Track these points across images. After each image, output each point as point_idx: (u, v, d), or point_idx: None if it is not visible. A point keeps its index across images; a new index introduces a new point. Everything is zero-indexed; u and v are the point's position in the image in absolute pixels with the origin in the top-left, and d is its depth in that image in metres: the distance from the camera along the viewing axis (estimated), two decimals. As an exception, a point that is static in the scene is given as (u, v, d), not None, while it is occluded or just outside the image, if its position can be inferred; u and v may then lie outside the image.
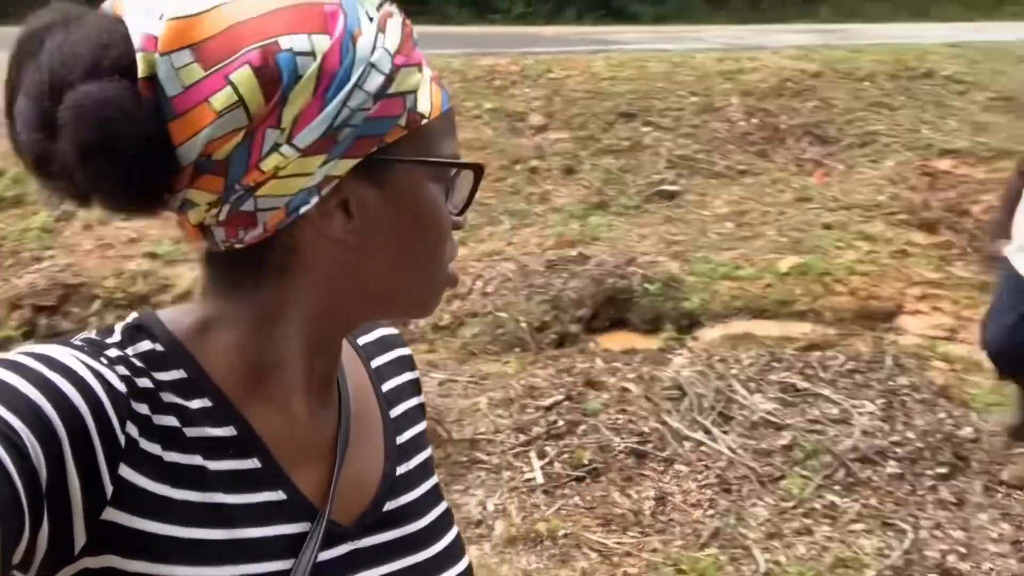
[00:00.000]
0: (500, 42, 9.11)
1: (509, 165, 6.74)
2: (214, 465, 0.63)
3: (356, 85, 0.60)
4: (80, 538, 0.56)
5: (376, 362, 0.81)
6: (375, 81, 0.61)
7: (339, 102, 0.60)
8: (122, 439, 0.58)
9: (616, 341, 5.03)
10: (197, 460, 0.62)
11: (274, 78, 0.58)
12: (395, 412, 0.79)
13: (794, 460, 3.39)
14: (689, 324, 5.52)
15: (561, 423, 3.61)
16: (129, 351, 0.64)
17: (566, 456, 3.41)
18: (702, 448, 3.49)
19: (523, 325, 5.14)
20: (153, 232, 5.59)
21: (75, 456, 0.55)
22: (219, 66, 0.58)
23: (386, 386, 0.80)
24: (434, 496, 0.79)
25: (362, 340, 0.82)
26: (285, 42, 0.58)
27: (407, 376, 0.84)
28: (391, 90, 0.62)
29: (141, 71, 0.57)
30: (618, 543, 3.01)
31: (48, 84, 0.57)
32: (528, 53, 7.95)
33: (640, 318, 5.53)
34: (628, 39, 9.76)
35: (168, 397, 0.63)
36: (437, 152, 0.67)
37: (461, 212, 0.70)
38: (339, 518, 0.69)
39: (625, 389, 3.87)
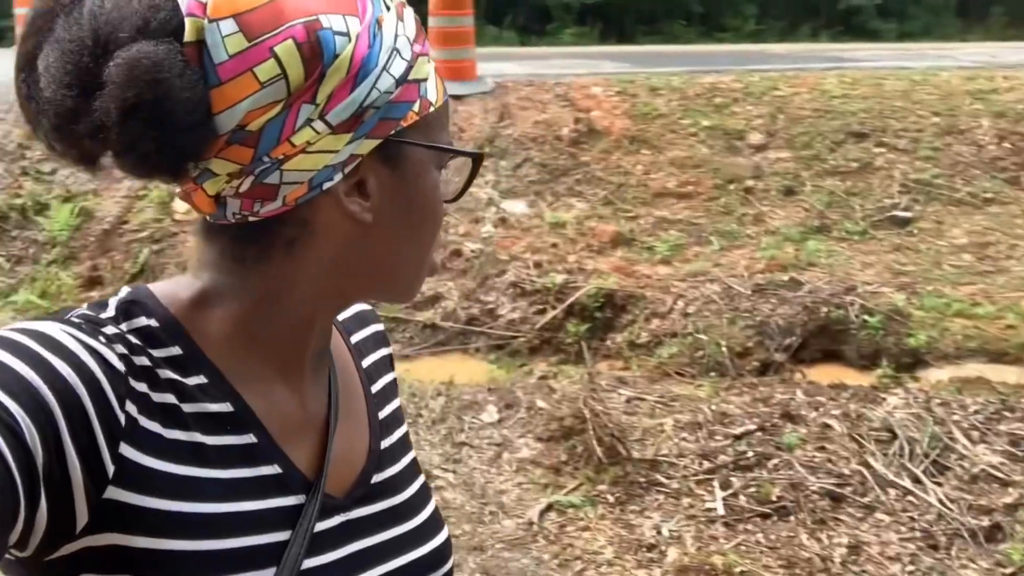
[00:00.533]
0: (726, 60, 8.86)
1: (723, 184, 6.53)
2: (212, 440, 0.64)
3: (384, 68, 0.63)
4: (82, 517, 0.56)
5: (355, 338, 0.82)
6: (399, 67, 0.64)
7: (369, 83, 0.62)
8: (122, 418, 0.58)
9: (824, 374, 4.70)
10: (197, 436, 0.63)
11: (316, 54, 0.60)
12: (375, 387, 0.81)
13: (1019, 521, 2.99)
14: (912, 363, 5.06)
15: (751, 454, 3.41)
16: (124, 327, 0.63)
17: (752, 489, 3.21)
18: (908, 498, 3.16)
19: (724, 349, 4.94)
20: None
21: (73, 436, 0.55)
22: (263, 37, 0.58)
23: (366, 362, 0.82)
24: (413, 470, 0.80)
25: (341, 316, 0.82)
26: (325, 20, 0.60)
27: (383, 352, 0.85)
28: (411, 76, 0.65)
29: (188, 35, 0.58)
30: (802, 589, 2.79)
31: (92, 40, 0.56)
32: (754, 70, 7.66)
33: (855, 352, 5.13)
34: (865, 56, 9.16)
35: (165, 374, 0.63)
36: (439, 139, 0.69)
37: (455, 200, 0.74)
38: (331, 490, 0.70)
39: (827, 425, 3.60)
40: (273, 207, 0.63)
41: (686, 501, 3.19)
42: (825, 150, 6.76)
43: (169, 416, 0.62)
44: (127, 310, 0.65)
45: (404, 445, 0.81)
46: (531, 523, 3.08)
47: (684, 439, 3.56)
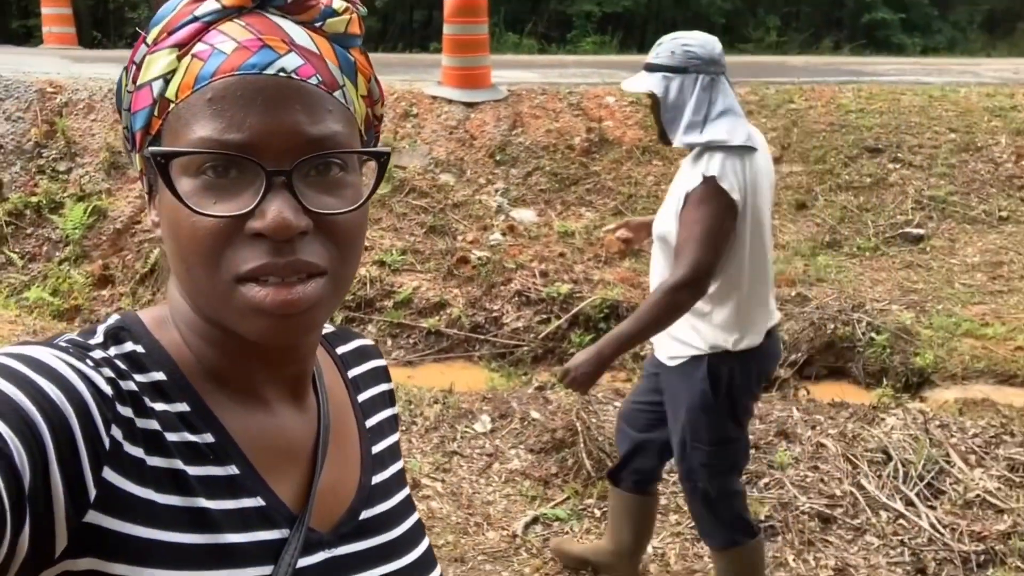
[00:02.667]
0: (744, 71, 8.80)
1: (734, 197, 6.48)
2: (194, 471, 0.62)
3: (121, 84, 0.66)
4: (61, 541, 0.55)
5: (353, 372, 0.81)
6: (130, 75, 0.65)
7: (124, 104, 0.66)
8: (107, 442, 0.57)
9: (828, 392, 4.65)
10: (178, 465, 0.62)
11: (118, 96, 0.69)
12: (370, 422, 0.79)
13: (1012, 550, 2.93)
14: (919, 382, 5.00)
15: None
16: (113, 351, 0.64)
17: (742, 507, 3.18)
18: (900, 521, 3.12)
19: (728, 364, 4.91)
20: (385, 241, 5.97)
21: (59, 459, 0.54)
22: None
23: (362, 396, 0.80)
24: (407, 506, 0.78)
25: (340, 349, 0.81)
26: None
27: (382, 387, 0.83)
28: (140, 80, 0.63)
29: None
30: (786, 610, 2.76)
31: None
32: (770, 83, 7.61)
33: (861, 370, 5.08)
34: (884, 71, 9.07)
35: (149, 400, 0.62)
36: (183, 138, 0.60)
37: (252, 213, 0.59)
38: (316, 525, 0.68)
39: (821, 445, 3.56)
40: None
41: (673, 518, 3.17)
42: (839, 164, 6.70)
43: (152, 443, 0.61)
44: (115, 335, 0.65)
45: (399, 481, 0.79)
46: (515, 536, 3.06)
47: (676, 454, 3.53)
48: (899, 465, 3.35)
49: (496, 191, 6.49)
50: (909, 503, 3.18)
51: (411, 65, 8.63)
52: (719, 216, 2.17)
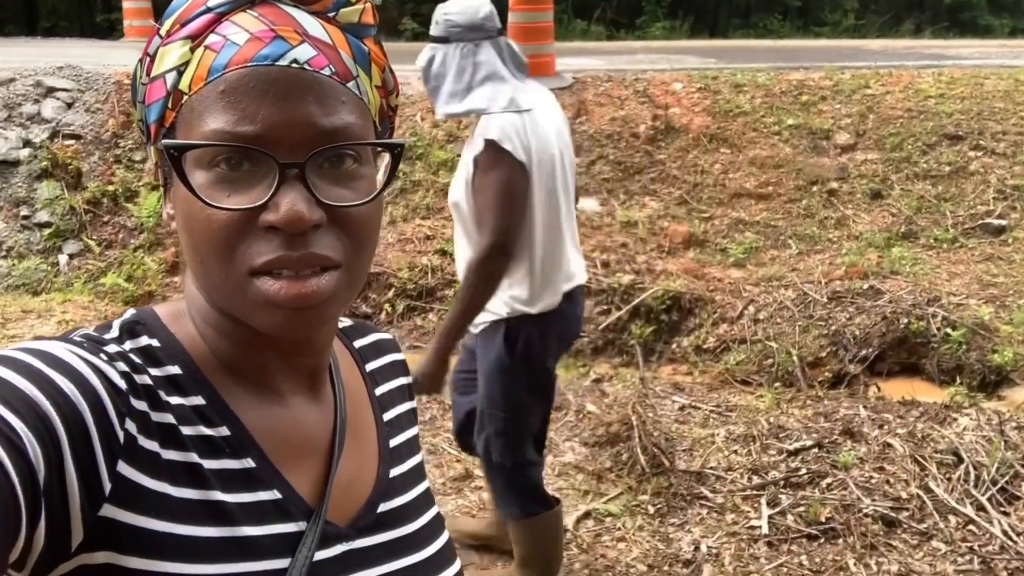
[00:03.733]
0: (819, 56, 8.55)
1: (805, 186, 6.30)
2: (210, 464, 0.62)
3: (136, 76, 0.66)
4: (77, 535, 0.55)
5: (370, 366, 0.81)
6: (144, 67, 0.64)
7: (137, 96, 0.66)
8: (121, 436, 0.57)
9: (899, 389, 4.48)
10: (193, 458, 0.61)
11: (133, 88, 0.68)
12: (388, 416, 0.79)
13: (1091, 561, 2.78)
14: (996, 381, 4.78)
15: (804, 471, 3.28)
16: (128, 346, 0.64)
17: (801, 509, 3.09)
18: (970, 526, 2.98)
19: (794, 358, 4.78)
20: (448, 231, 5.98)
21: (74, 453, 0.54)
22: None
23: (379, 390, 0.80)
24: (426, 500, 0.78)
25: (358, 343, 0.81)
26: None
27: (400, 381, 0.83)
28: (154, 72, 0.63)
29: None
30: (845, 616, 2.67)
31: None
32: (846, 67, 7.37)
33: (935, 367, 4.88)
34: (968, 54, 8.68)
35: (164, 394, 0.62)
36: (197, 131, 0.60)
37: (267, 206, 0.59)
38: (334, 518, 0.68)
39: (888, 445, 3.43)
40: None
41: (730, 517, 3.09)
42: (916, 152, 6.45)
43: (167, 436, 0.61)
44: (131, 329, 0.65)
45: (417, 474, 0.78)
46: (566, 529, 3.03)
47: (735, 452, 3.45)
48: (971, 468, 3.21)
49: (559, 180, 6.44)
50: (980, 508, 3.04)
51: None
52: (509, 178, 2.17)
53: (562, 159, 2.32)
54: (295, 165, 0.59)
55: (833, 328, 5.01)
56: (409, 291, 5.60)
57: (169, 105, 0.62)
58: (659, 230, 6.07)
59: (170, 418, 0.61)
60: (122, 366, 0.60)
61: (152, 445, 0.59)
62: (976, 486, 3.13)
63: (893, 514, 3.04)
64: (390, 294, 5.62)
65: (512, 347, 2.33)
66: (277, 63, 0.60)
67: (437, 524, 0.77)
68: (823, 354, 4.89)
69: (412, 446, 0.80)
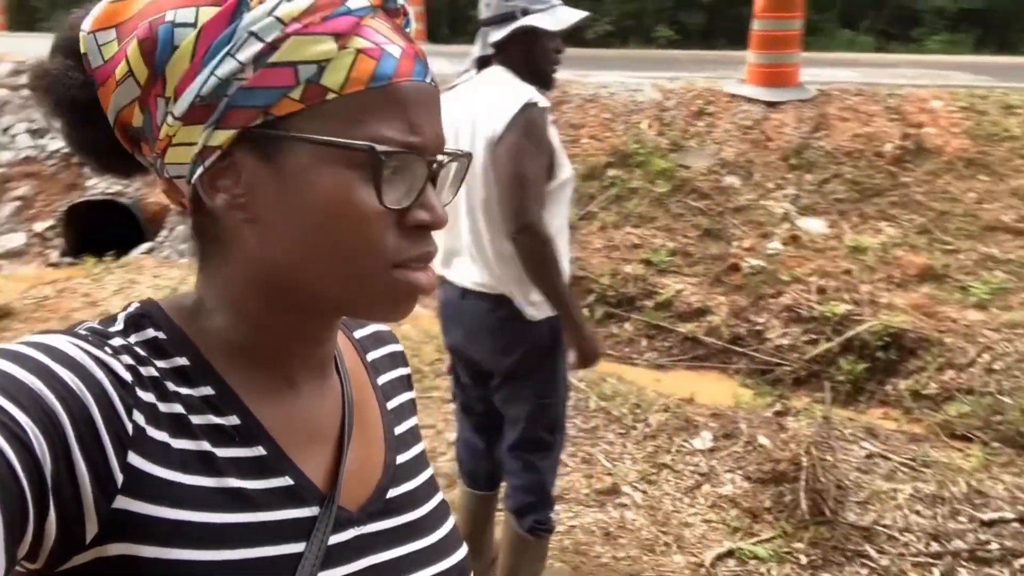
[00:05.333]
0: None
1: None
2: (222, 452, 0.63)
3: (228, 53, 0.60)
4: (92, 527, 0.56)
5: (371, 356, 0.82)
6: (251, 49, 0.60)
7: (208, 71, 0.60)
8: (129, 427, 0.58)
9: None
10: (205, 447, 0.62)
11: (152, 49, 0.61)
12: (391, 404, 0.80)
13: None
14: None
15: (995, 546, 2.85)
16: (133, 339, 0.64)
17: (983, 589, 2.68)
18: None
19: (1029, 419, 4.17)
20: (656, 240, 5.86)
21: (82, 446, 0.55)
22: (125, 41, 0.63)
23: (381, 379, 0.81)
24: (431, 487, 0.79)
25: (358, 334, 0.82)
26: (171, 15, 0.61)
27: (400, 371, 0.84)
28: (274, 59, 0.60)
29: (81, 47, 0.65)
30: None
31: None
32: None
33: None
34: None
35: (172, 385, 0.63)
36: (360, 132, 0.61)
37: (414, 205, 0.64)
38: (344, 504, 0.69)
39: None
40: (186, 202, 0.66)
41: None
42: None
43: (177, 426, 0.62)
44: (136, 322, 0.66)
45: (421, 462, 0.80)
46: (702, 565, 2.86)
47: (917, 512, 3.07)
48: None
49: (784, 197, 6.08)
50: None
51: (720, 63, 8.35)
52: None
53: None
54: (435, 172, 0.67)
55: (1087, 389, 4.32)
56: (609, 298, 5.55)
57: (297, 96, 0.60)
58: (891, 259, 5.54)
59: (179, 408, 0.62)
60: (127, 359, 0.61)
61: (162, 435, 0.60)
62: None
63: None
64: (590, 299, 5.60)
65: None
66: (426, 80, 0.65)
67: (443, 510, 0.78)
68: (1069, 418, 4.23)
69: (415, 434, 0.81)
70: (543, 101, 2.23)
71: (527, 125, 2.16)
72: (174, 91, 0.61)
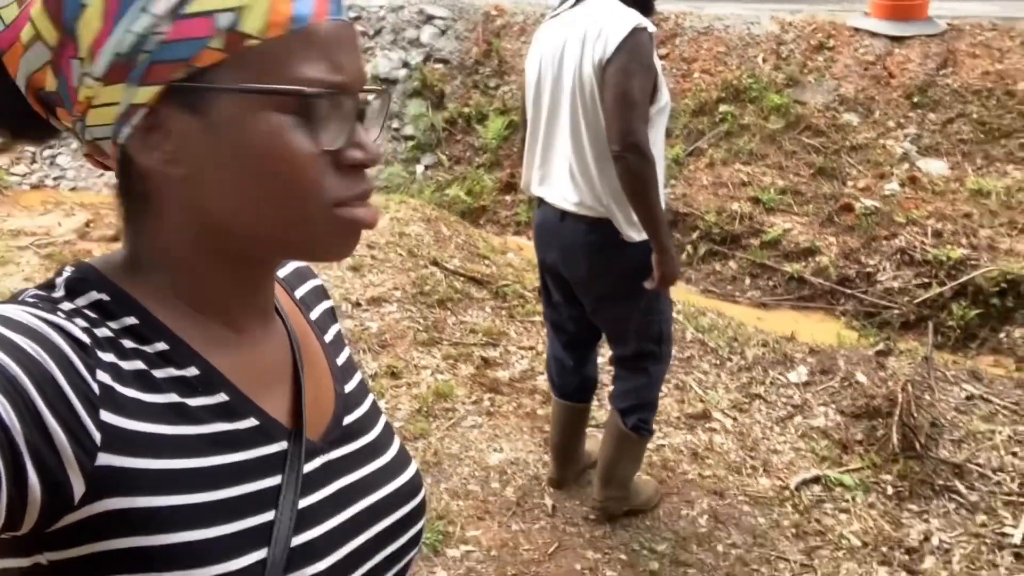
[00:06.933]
0: None
1: None
2: (191, 401, 0.65)
3: (142, 8, 0.59)
4: (79, 487, 0.57)
5: (298, 292, 0.84)
6: (165, 2, 0.59)
7: (123, 28, 0.59)
8: (95, 387, 0.58)
9: None
10: (174, 398, 0.64)
11: (57, 9, 0.60)
12: (327, 337, 0.84)
13: None
14: None
15: (1093, 491, 2.81)
16: (80, 302, 0.64)
17: (1075, 530, 2.67)
18: None
19: None
20: (766, 179, 5.78)
21: (52, 410, 0.55)
22: (26, 3, 0.62)
23: (313, 314, 0.84)
24: (376, 410, 0.84)
25: (282, 274, 0.84)
26: None
27: (325, 304, 0.87)
28: (188, 10, 0.59)
29: None
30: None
31: None
32: None
33: None
34: None
35: (128, 343, 0.64)
36: (286, 76, 0.61)
37: (347, 145, 0.64)
38: (309, 436, 0.72)
39: None
40: (112, 163, 0.66)
41: (980, 518, 2.77)
42: None
43: (143, 381, 0.62)
44: (76, 287, 0.65)
45: (363, 389, 0.84)
46: (786, 488, 2.93)
47: (1014, 453, 3.04)
48: None
49: (905, 136, 5.88)
50: None
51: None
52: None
53: (557, 78, 2.41)
54: (363, 110, 0.67)
55: None
56: (713, 235, 5.54)
57: (218, 46, 0.60)
58: (1016, 204, 5.32)
59: (141, 364, 0.63)
60: (81, 321, 0.61)
61: (131, 391, 0.61)
62: None
63: None
64: (694, 236, 5.60)
65: None
66: (340, 17, 0.64)
67: (389, 431, 0.83)
68: None
69: (353, 364, 0.85)
70: (650, 26, 2.29)
71: (636, 48, 2.23)
72: (88, 51, 0.60)
